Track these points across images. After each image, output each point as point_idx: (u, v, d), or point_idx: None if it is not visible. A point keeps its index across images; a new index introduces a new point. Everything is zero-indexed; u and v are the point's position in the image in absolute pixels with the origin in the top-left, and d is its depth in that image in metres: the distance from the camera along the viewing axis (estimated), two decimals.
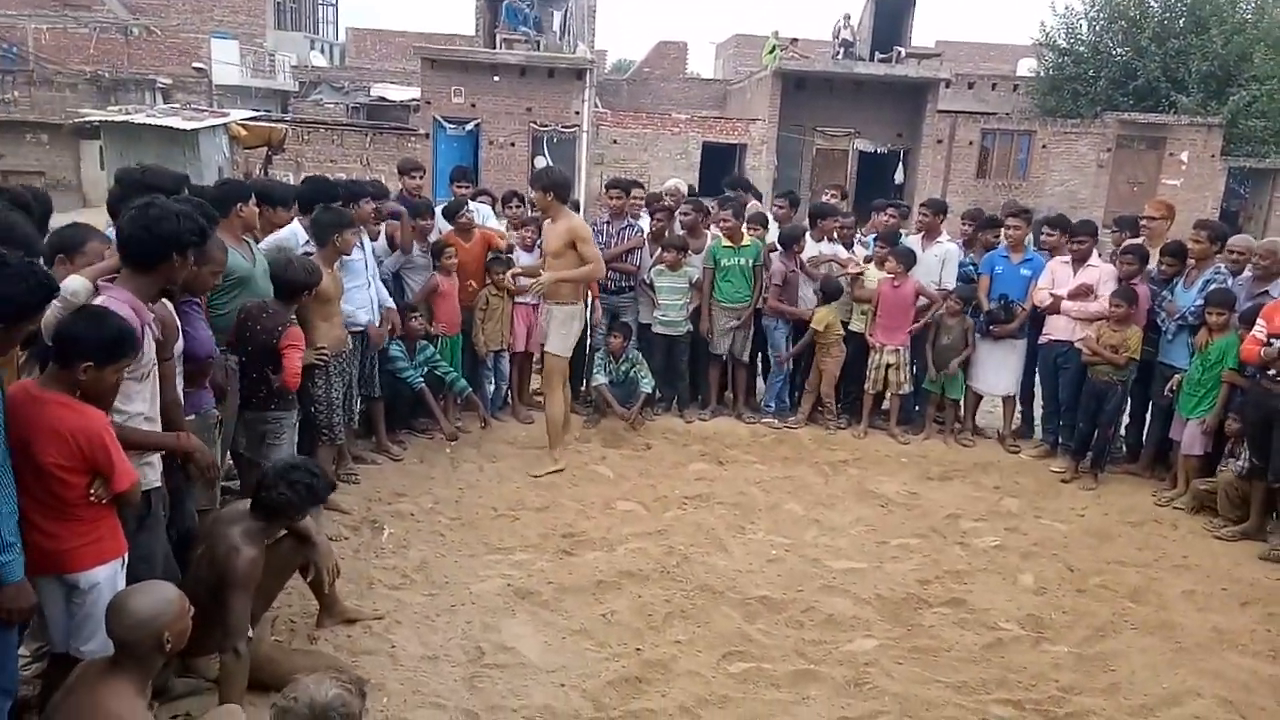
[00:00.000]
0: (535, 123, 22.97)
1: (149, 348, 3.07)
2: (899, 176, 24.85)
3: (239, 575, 3.22)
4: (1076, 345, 6.42)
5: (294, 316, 4.59)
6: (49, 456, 2.67)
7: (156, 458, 3.23)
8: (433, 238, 6.65)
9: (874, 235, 7.49)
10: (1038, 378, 7.14)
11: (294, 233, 5.24)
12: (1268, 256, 5.85)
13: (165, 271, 3.17)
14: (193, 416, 3.74)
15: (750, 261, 7.09)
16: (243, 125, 16.48)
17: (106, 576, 2.86)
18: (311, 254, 5.00)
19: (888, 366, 7.10)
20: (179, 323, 3.49)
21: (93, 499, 2.77)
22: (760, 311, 7.28)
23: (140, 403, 3.12)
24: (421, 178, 7.11)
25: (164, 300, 3.38)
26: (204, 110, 17.83)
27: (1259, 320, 5.34)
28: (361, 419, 6.26)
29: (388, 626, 4.05)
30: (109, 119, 15.87)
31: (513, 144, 22.99)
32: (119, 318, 2.83)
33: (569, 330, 6.26)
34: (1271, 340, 5.21)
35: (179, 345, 3.48)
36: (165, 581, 2.88)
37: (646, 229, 7.28)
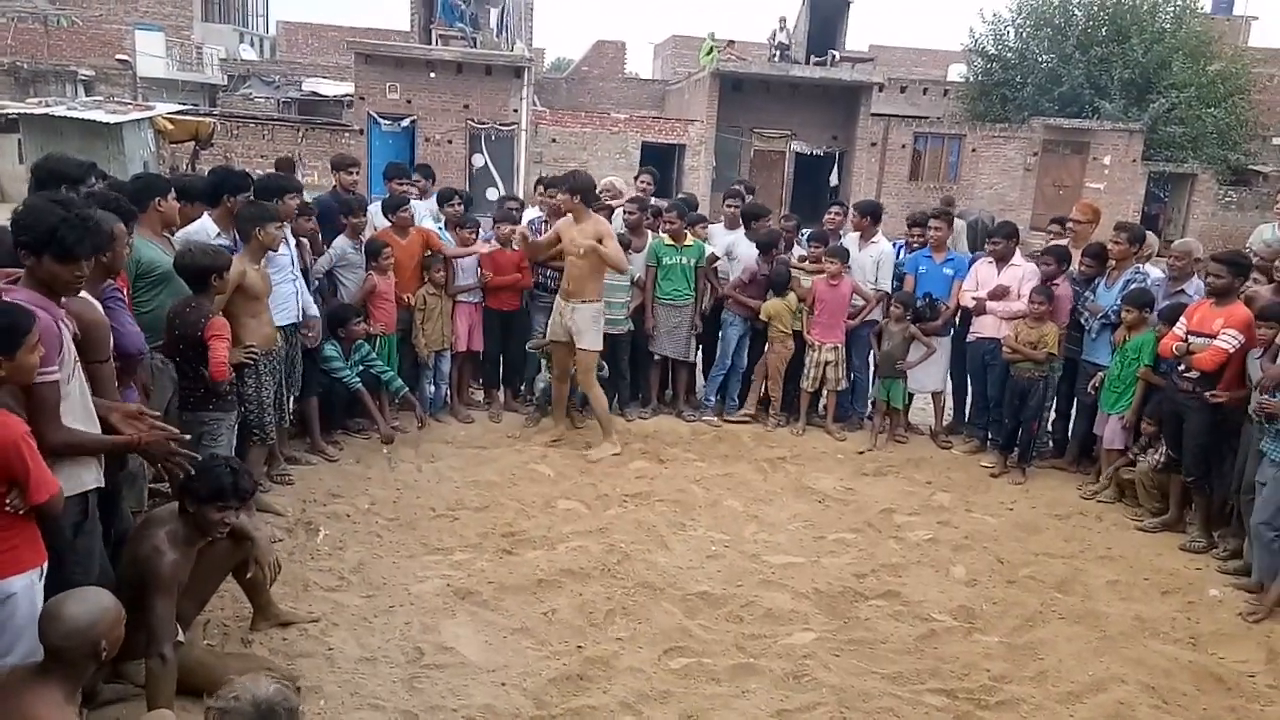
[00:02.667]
0: (472, 120, 22.79)
1: (68, 351, 2.95)
2: (834, 178, 25.24)
3: (159, 578, 3.13)
4: (1002, 341, 6.60)
5: (218, 309, 4.48)
6: None
7: (94, 459, 3.12)
8: (367, 234, 6.55)
9: (807, 235, 7.61)
10: (968, 375, 7.31)
11: (203, 227, 5.11)
12: (1182, 257, 6.09)
13: (57, 264, 2.94)
14: None
15: (692, 261, 7.14)
16: (169, 119, 16.06)
17: (22, 587, 2.74)
18: (227, 247, 4.88)
19: (825, 364, 7.20)
20: (107, 320, 3.38)
21: (8, 509, 2.67)
22: (719, 306, 7.35)
23: (68, 414, 2.97)
24: (357, 173, 6.99)
25: (89, 299, 3.26)
26: (128, 103, 17.33)
27: (1181, 318, 5.54)
28: (295, 419, 6.14)
29: (324, 629, 3.99)
30: (28, 112, 15.35)
31: (450, 141, 22.78)
32: (3, 302, 2.70)
33: (598, 326, 6.53)
34: (1188, 337, 5.41)
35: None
36: (100, 588, 2.79)
37: None
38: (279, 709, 2.06)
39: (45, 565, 2.84)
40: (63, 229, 2.88)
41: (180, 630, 3.38)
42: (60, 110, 15.17)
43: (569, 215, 6.47)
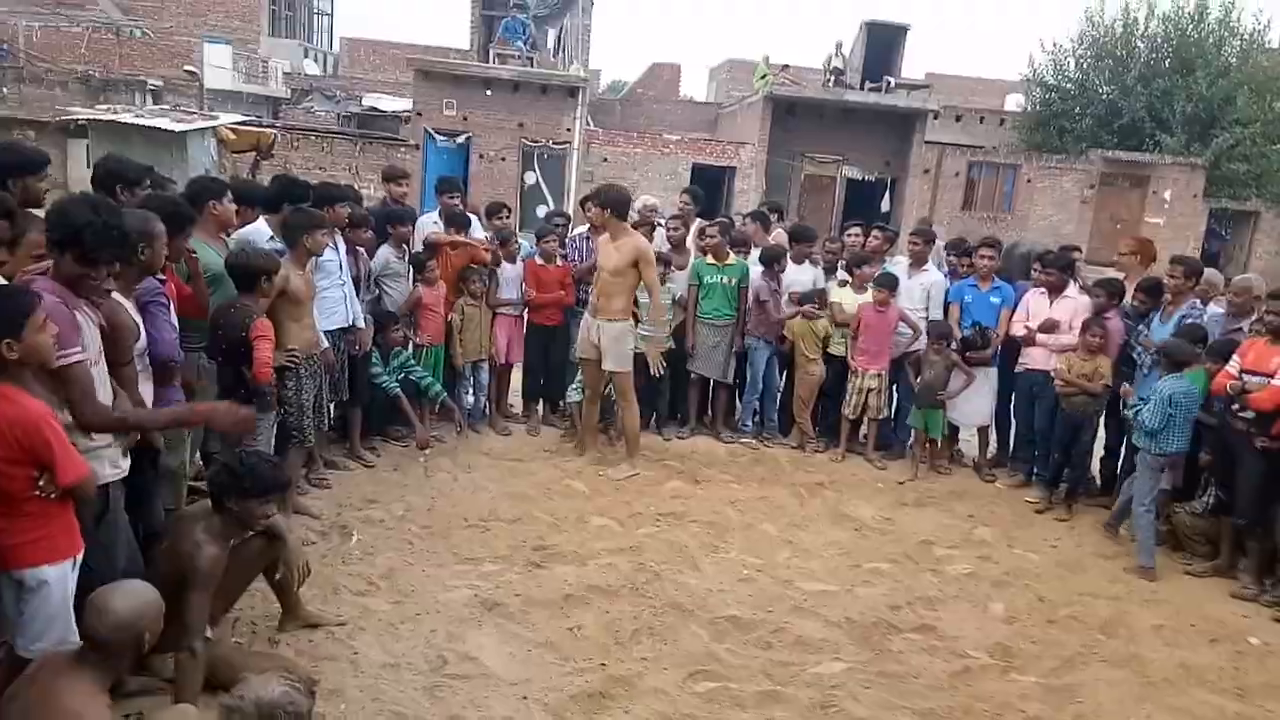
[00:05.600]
0: (526, 138, 23.00)
1: (90, 338, 2.98)
2: (885, 205, 25.03)
3: (200, 573, 3.18)
4: (1052, 374, 6.45)
5: (262, 311, 4.53)
6: None
7: (115, 450, 3.15)
8: (417, 246, 6.63)
9: (846, 259, 7.52)
10: (1012, 408, 7.16)
11: (258, 230, 5.21)
12: (1241, 294, 5.92)
13: (77, 264, 2.98)
14: None
15: (734, 280, 7.10)
16: (231, 129, 16.43)
17: (55, 576, 2.77)
18: (280, 251, 4.96)
19: (868, 391, 7.10)
20: (140, 323, 3.42)
21: (39, 494, 2.69)
22: (745, 332, 7.28)
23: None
24: (406, 185, 7.07)
25: (120, 301, 3.30)
26: (193, 113, 17.76)
27: (1235, 355, 5.38)
28: (336, 424, 6.20)
29: (350, 633, 4.00)
30: (96, 117, 15.78)
31: (503, 158, 23.01)
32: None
33: (623, 346, 6.42)
34: (1243, 376, 5.25)
35: (140, 345, 3.41)
36: (143, 581, 2.82)
37: None
38: (280, 712, 2.05)
39: (80, 556, 2.87)
40: (86, 232, 2.93)
41: (209, 627, 3.41)
42: (128, 117, 15.57)
43: (607, 234, 6.44)
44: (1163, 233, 23.24)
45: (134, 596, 2.60)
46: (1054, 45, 28.70)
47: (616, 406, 6.85)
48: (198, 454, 4.89)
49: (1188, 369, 5.79)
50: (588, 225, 7.36)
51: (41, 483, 2.69)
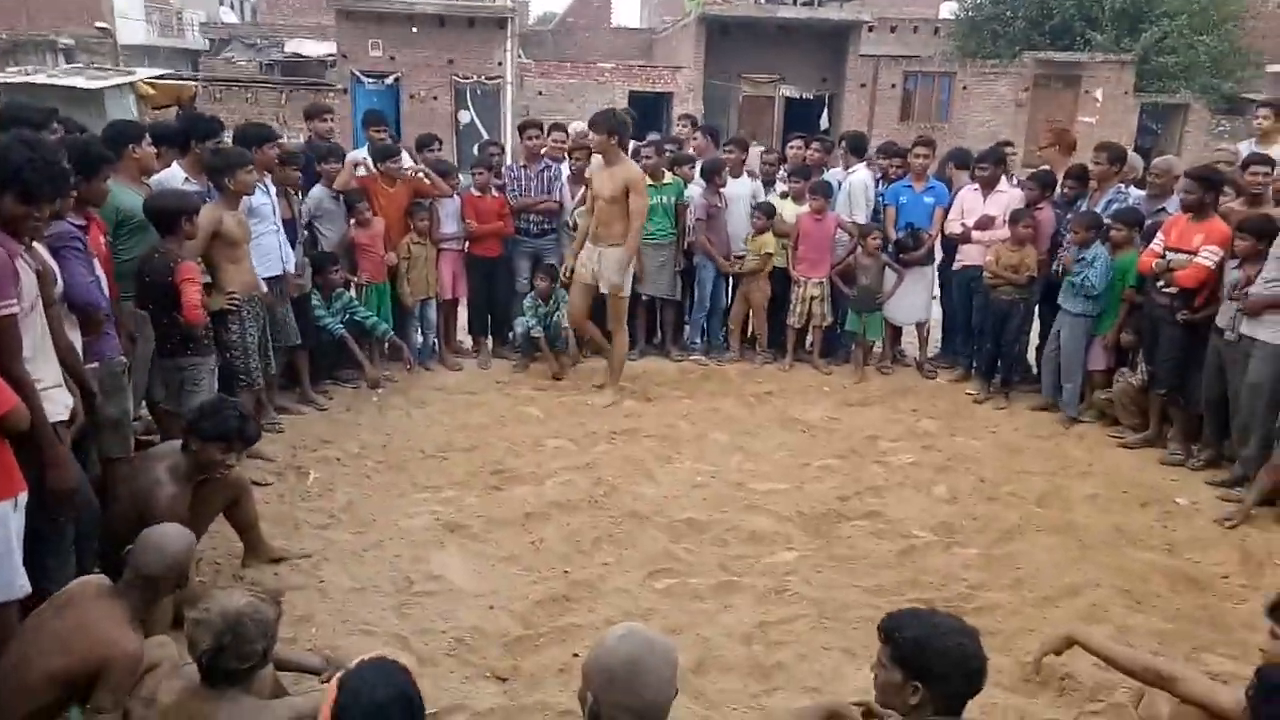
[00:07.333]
0: (457, 75, 22.56)
1: (29, 284, 2.93)
2: (824, 122, 25.03)
3: (160, 511, 3.21)
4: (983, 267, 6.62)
5: (189, 255, 4.46)
6: None
7: (60, 390, 3.12)
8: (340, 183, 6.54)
9: (787, 170, 7.59)
10: (950, 303, 7.35)
11: (173, 174, 5.10)
12: (1161, 175, 6.11)
13: (19, 204, 2.90)
14: (95, 365, 3.64)
15: (672, 199, 7.13)
16: (150, 84, 15.94)
17: None
18: (198, 193, 4.88)
19: (811, 299, 7.23)
20: (55, 267, 3.35)
21: None
22: (689, 250, 7.35)
23: (28, 351, 2.95)
24: (331, 120, 6.95)
25: (35, 245, 3.25)
26: (108, 69, 17.16)
27: (1159, 234, 5.58)
28: (285, 370, 6.18)
29: (315, 564, 4.08)
30: (8, 80, 15.16)
31: (435, 97, 22.57)
32: None
33: (625, 270, 6.42)
34: (1167, 253, 5.45)
35: (58, 290, 3.35)
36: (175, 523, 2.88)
37: (565, 171, 7.27)
38: (246, 620, 2.13)
39: (23, 496, 2.82)
40: (27, 170, 2.87)
41: None
42: (40, 78, 15.01)
43: (597, 158, 6.42)
44: (1096, 131, 23.51)
45: (183, 536, 2.70)
46: None
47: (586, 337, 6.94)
48: (144, 405, 4.87)
49: (1120, 251, 5.99)
50: (524, 154, 7.32)
51: None
